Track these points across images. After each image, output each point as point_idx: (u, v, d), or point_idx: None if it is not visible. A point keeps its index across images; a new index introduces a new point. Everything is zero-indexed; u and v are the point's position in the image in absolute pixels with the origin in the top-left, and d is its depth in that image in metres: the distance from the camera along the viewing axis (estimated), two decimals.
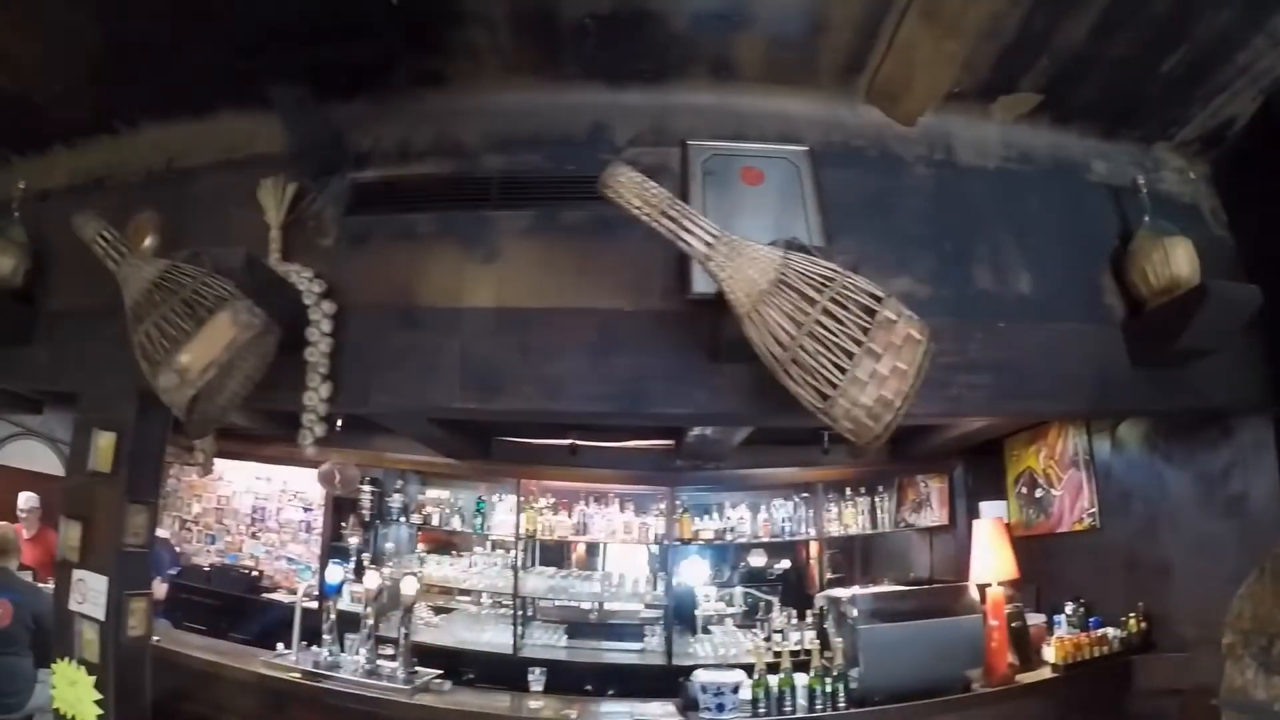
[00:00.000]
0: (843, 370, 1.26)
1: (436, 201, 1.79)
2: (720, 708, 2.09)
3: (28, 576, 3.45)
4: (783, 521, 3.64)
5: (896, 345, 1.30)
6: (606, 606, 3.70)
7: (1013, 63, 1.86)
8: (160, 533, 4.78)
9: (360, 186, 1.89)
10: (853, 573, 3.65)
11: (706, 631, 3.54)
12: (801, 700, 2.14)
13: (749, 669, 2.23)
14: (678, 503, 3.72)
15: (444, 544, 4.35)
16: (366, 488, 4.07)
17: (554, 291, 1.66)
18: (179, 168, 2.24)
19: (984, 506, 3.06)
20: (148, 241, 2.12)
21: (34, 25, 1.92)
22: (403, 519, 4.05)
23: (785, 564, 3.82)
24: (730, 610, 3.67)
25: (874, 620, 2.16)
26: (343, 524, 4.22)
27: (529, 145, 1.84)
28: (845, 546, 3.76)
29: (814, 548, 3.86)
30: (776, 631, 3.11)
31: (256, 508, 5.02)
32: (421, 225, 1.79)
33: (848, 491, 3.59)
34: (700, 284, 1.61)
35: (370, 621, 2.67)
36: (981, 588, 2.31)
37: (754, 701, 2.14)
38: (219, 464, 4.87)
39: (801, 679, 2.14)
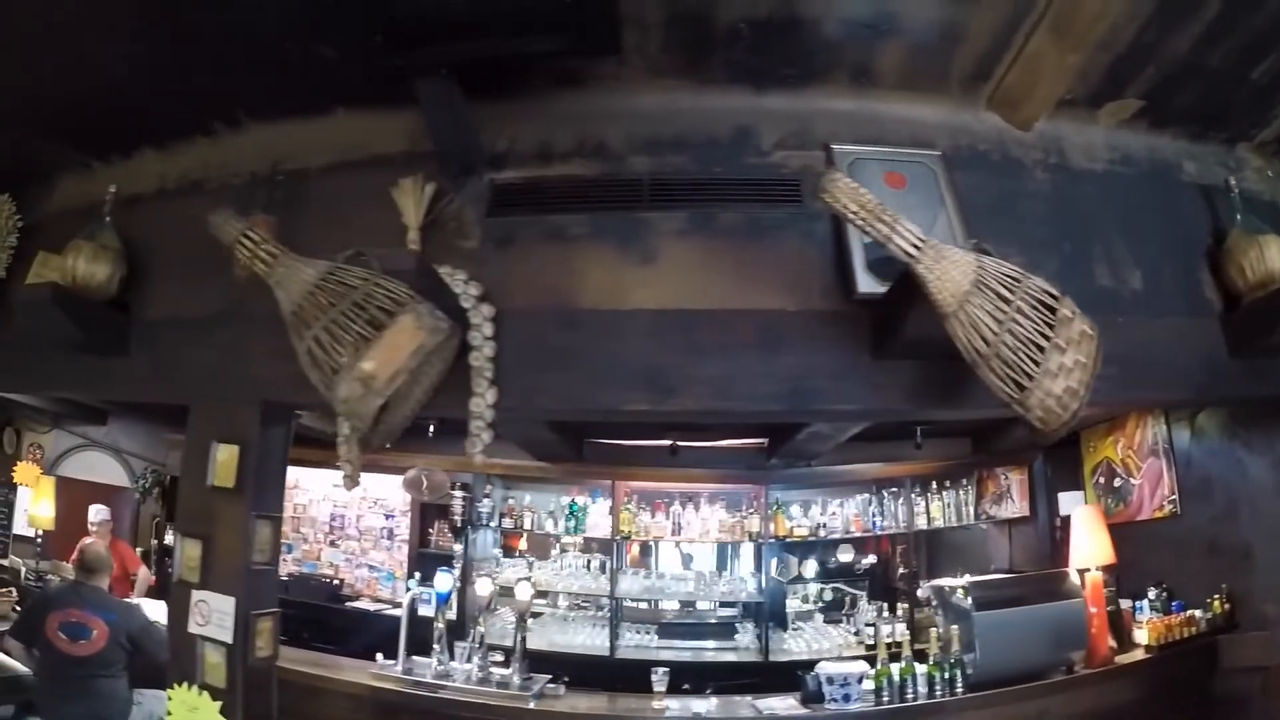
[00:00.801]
0: (1036, 364, 1.42)
1: (586, 203, 1.89)
2: (847, 698, 2.25)
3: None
4: (873, 516, 3.83)
5: (1076, 340, 1.47)
6: (689, 606, 3.82)
7: (1121, 71, 2.07)
8: None
9: (500, 187, 1.97)
10: (932, 566, 3.85)
11: (795, 627, 3.70)
12: (922, 688, 2.30)
13: (871, 660, 2.39)
14: (773, 500, 3.86)
15: (520, 548, 4.41)
16: (457, 493, 4.10)
17: (716, 293, 1.78)
18: (288, 169, 2.29)
19: (1062, 497, 3.30)
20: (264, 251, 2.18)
21: (120, 21, 1.95)
22: (492, 523, 4.09)
23: (871, 559, 4.01)
24: (815, 606, 3.84)
25: (986, 607, 2.33)
26: (429, 530, 4.27)
27: (674, 147, 1.95)
28: (919, 541, 3.96)
29: (892, 542, 4.06)
30: (868, 625, 3.28)
31: (335, 515, 5.08)
32: (572, 227, 1.88)
33: (934, 485, 3.80)
34: (864, 285, 1.76)
35: (483, 629, 2.73)
36: (1081, 573, 2.52)
37: (877, 691, 2.29)
38: (295, 472, 4.90)
39: (921, 667, 2.31)
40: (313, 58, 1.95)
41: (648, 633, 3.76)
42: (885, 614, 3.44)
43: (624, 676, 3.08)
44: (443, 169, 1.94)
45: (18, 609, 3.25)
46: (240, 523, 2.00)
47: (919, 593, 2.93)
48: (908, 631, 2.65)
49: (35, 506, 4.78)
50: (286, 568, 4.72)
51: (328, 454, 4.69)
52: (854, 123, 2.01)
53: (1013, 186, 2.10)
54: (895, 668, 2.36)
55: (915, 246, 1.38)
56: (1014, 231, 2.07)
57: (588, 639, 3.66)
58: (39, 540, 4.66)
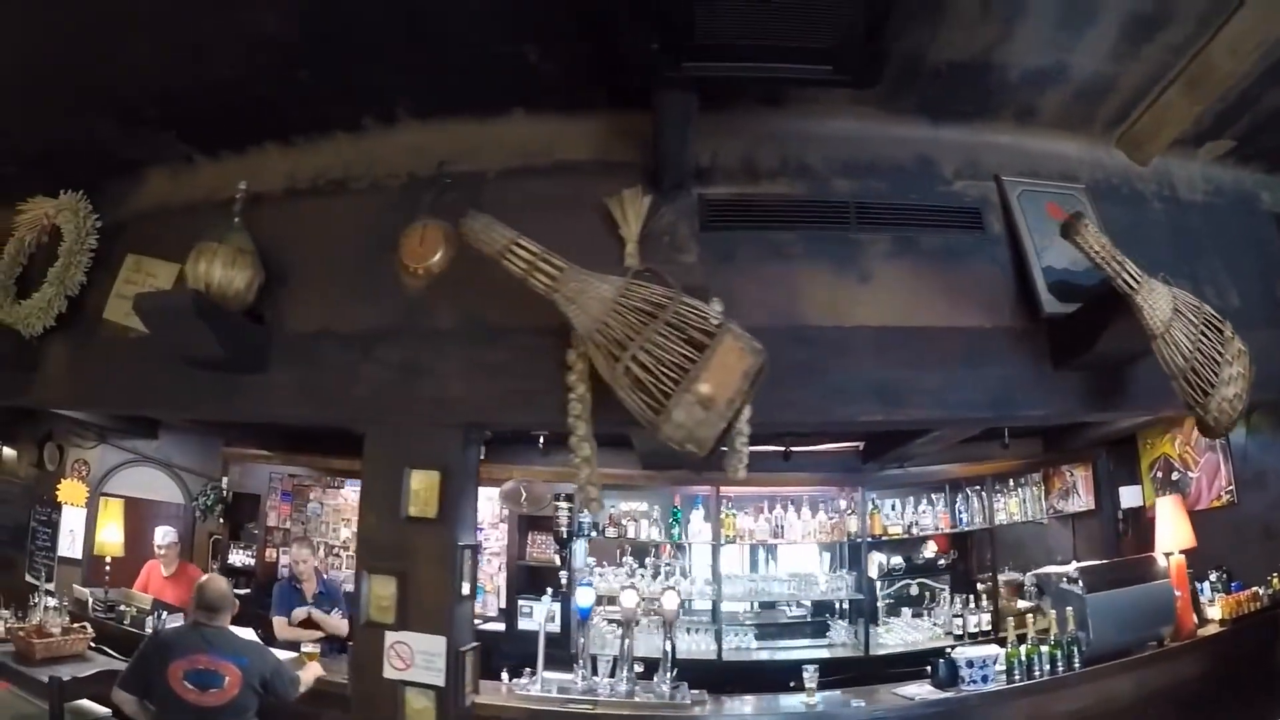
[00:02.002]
0: (1215, 375, 1.87)
1: (797, 222, 2.18)
2: (985, 679, 2.67)
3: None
4: (959, 514, 4.30)
5: (1237, 355, 1.93)
6: (769, 608, 4.16)
7: (1225, 117, 2.58)
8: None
9: (709, 202, 2.19)
10: (998, 561, 4.37)
11: (885, 623, 4.11)
12: (1045, 665, 2.76)
13: (1002, 642, 2.82)
14: (870, 501, 4.27)
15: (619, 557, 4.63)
16: (563, 504, 4.26)
17: (925, 311, 2.14)
18: (458, 172, 2.35)
19: (1123, 491, 3.87)
20: (439, 254, 2.24)
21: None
22: (594, 532, 4.28)
23: (952, 554, 4.49)
24: (896, 601, 4.28)
25: (1095, 590, 2.82)
26: (526, 542, 4.40)
27: (869, 172, 2.29)
28: (991, 537, 4.48)
29: (965, 539, 4.56)
30: (955, 616, 3.74)
31: None
32: (789, 245, 2.16)
33: (1010, 484, 4.31)
34: (1049, 306, 2.17)
35: (629, 641, 2.93)
36: (1166, 556, 3.05)
37: (1008, 671, 2.73)
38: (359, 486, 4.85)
39: (1044, 648, 2.76)
40: (503, 56, 2.03)
41: (745, 635, 4.08)
42: (971, 605, 3.92)
43: (732, 678, 3.37)
44: (656, 181, 2.13)
45: (95, 648, 3.17)
46: (445, 554, 2.01)
47: (1025, 581, 3.41)
48: (990, 616, 3.11)
49: (103, 531, 4.65)
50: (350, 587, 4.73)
51: None
52: (1013, 156, 2.42)
53: (1136, 216, 2.57)
54: (1023, 649, 2.80)
55: (1136, 281, 1.79)
56: (1143, 257, 2.51)
57: (691, 644, 3.94)
58: (108, 568, 4.55)
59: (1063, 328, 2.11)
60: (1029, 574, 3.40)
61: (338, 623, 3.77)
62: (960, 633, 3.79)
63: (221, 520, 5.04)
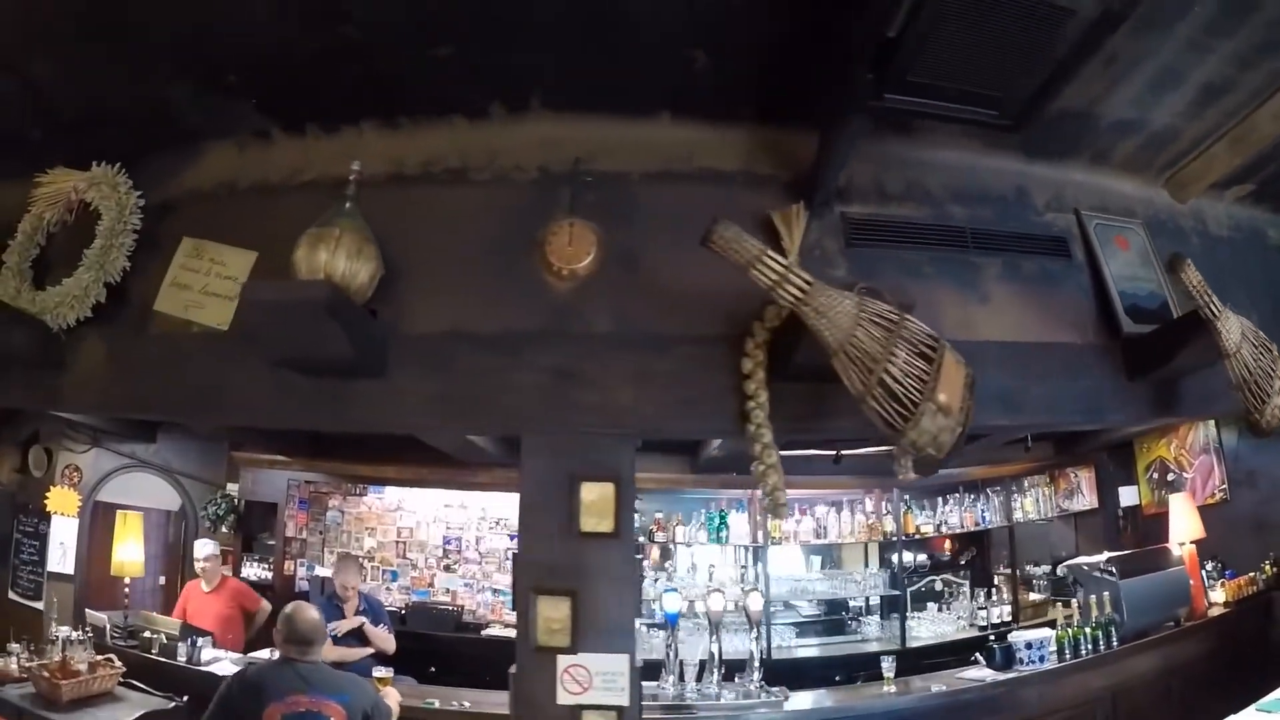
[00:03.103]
0: (1270, 387, 2.41)
1: (923, 243, 2.55)
2: (1041, 659, 3.18)
3: (207, 643, 3.38)
4: (982, 512, 4.86)
5: None
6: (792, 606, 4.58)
7: (1253, 166, 3.19)
8: (322, 571, 4.61)
9: (850, 220, 2.51)
10: (1017, 558, 4.97)
11: (914, 616, 4.61)
12: (1088, 645, 3.30)
13: (1051, 624, 3.35)
14: (904, 502, 4.74)
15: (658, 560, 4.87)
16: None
17: (1032, 328, 2.58)
18: (599, 171, 2.44)
19: (1122, 491, 4.54)
20: (591, 255, 2.32)
21: None
22: (641, 538, 4.51)
23: (972, 551, 5.06)
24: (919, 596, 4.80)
25: (1127, 577, 3.39)
26: None
27: (976, 200, 2.70)
28: (1002, 536, 5.08)
29: (977, 538, 5.15)
30: (980, 609, 4.29)
31: (449, 539, 5.03)
32: (923, 265, 2.52)
33: (1024, 485, 4.91)
34: (1127, 326, 2.67)
35: (719, 644, 3.19)
36: (1180, 545, 3.69)
37: (1059, 651, 3.25)
38: (398, 493, 4.79)
39: (1086, 629, 3.30)
40: (668, 57, 2.14)
41: (788, 633, 4.46)
42: (993, 597, 4.50)
43: (783, 675, 3.73)
44: (801, 197, 2.39)
45: (124, 683, 2.99)
46: (620, 570, 2.03)
47: (1059, 572, 3.97)
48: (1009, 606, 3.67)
49: (121, 548, 4.40)
50: (391, 596, 4.77)
51: (437, 473, 4.95)
52: (1087, 192, 2.92)
53: (1178, 248, 3.12)
54: (1069, 631, 3.33)
55: (1218, 309, 2.28)
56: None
57: (739, 644, 4.26)
58: (126, 590, 4.34)
59: (1138, 345, 2.61)
60: (1061, 565, 3.96)
61: (386, 638, 3.78)
62: (984, 624, 4.34)
63: (233, 531, 4.91)
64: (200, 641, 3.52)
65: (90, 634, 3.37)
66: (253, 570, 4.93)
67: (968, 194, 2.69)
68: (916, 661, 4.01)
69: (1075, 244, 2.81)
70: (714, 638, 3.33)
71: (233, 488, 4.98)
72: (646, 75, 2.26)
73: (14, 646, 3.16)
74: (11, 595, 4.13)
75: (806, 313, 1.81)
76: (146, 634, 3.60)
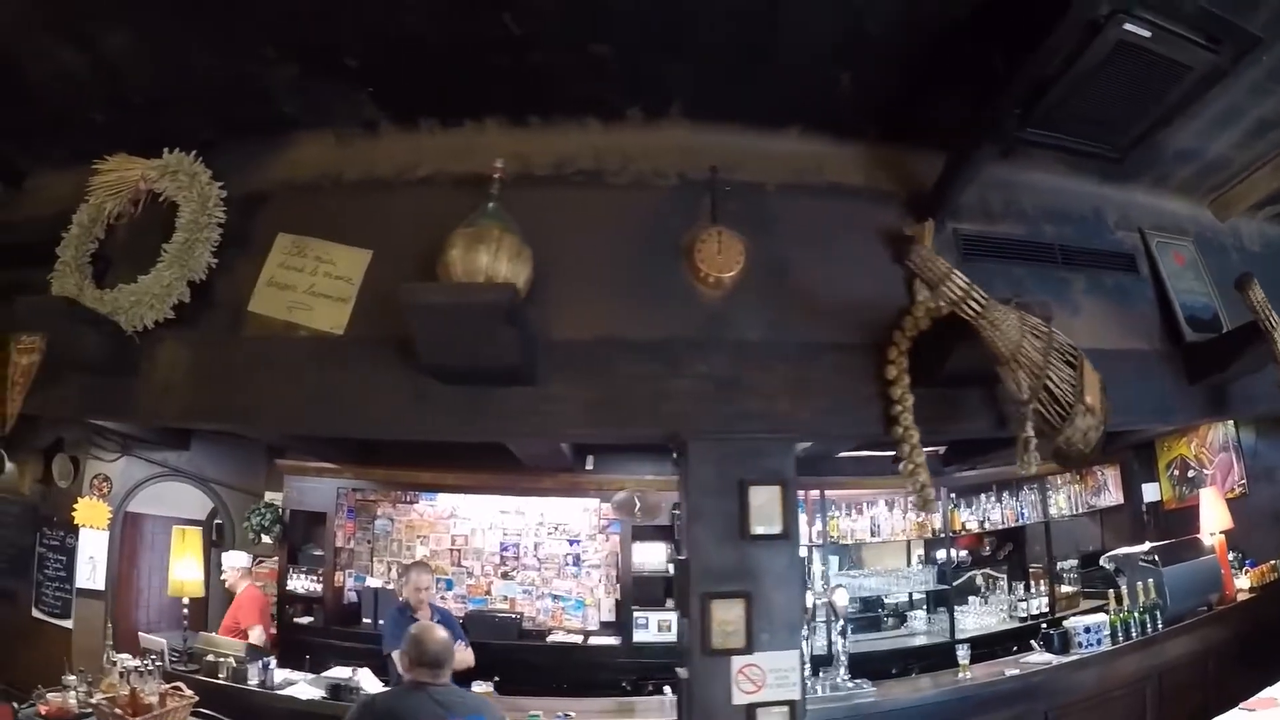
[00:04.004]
0: None
1: (1021, 258, 2.95)
2: (1099, 641, 3.62)
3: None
4: (1021, 509, 5.31)
5: None
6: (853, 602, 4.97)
7: None
8: (373, 582, 4.69)
9: (963, 236, 2.90)
10: (1046, 552, 5.46)
11: (956, 609, 5.04)
12: (1136, 629, 3.75)
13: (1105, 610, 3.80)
14: (950, 499, 5.15)
15: None
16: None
17: (1111, 337, 3.03)
18: (737, 181, 2.64)
19: (1145, 487, 5.06)
20: (740, 264, 2.50)
21: None
22: None
23: (1009, 546, 5.50)
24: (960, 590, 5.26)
25: (1169, 564, 3.86)
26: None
27: (1061, 219, 3.13)
28: (1034, 532, 5.55)
29: (1011, 535, 5.63)
30: (1020, 600, 4.74)
31: (506, 545, 5.12)
32: (1023, 278, 2.91)
33: (1058, 481, 5.38)
34: (1189, 335, 3.11)
35: (842, 639, 3.50)
36: (1210, 535, 4.20)
37: (1112, 634, 3.69)
38: (451, 499, 4.84)
39: (1134, 614, 3.76)
40: (813, 75, 2.36)
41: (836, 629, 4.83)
42: (1032, 589, 4.97)
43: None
44: (927, 213, 2.74)
45: (199, 713, 2.96)
46: (789, 569, 2.24)
47: (1102, 562, 4.43)
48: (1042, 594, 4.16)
49: (179, 566, 4.37)
50: (447, 605, 4.93)
51: (500, 479, 5.14)
52: (1147, 212, 3.40)
53: (1220, 262, 3.63)
54: (1120, 615, 3.78)
55: (1275, 322, 2.72)
56: (1229, 295, 3.58)
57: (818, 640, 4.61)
58: (185, 611, 4.29)
59: (1198, 352, 3.06)
60: (1104, 556, 4.44)
61: (466, 652, 3.81)
62: (1024, 615, 4.79)
63: (278, 542, 4.90)
64: (274, 663, 3.53)
65: (157, 661, 3.29)
66: (300, 583, 4.90)
67: (1055, 213, 3.13)
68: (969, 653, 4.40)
69: (1141, 259, 3.24)
70: (841, 632, 3.62)
71: (271, 496, 5.01)
72: (783, 91, 2.51)
73: (70, 679, 3.04)
74: (36, 613, 4.04)
75: (983, 325, 2.18)
76: (210, 657, 3.50)
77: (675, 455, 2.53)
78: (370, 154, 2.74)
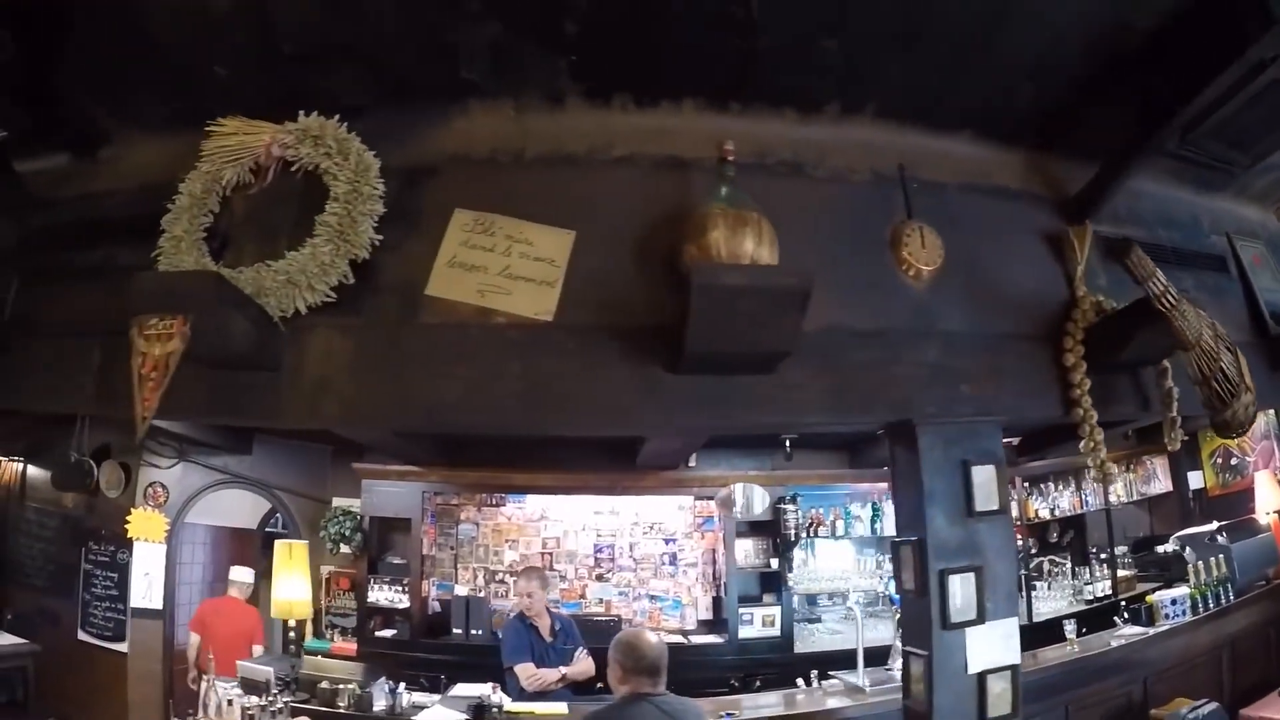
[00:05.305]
0: None
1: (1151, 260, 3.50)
2: (1182, 613, 4.22)
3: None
4: (1086, 497, 5.93)
5: None
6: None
7: None
8: (461, 590, 4.83)
9: (1102, 238, 3.50)
10: (1108, 538, 6.12)
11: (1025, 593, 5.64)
12: (1212, 602, 4.38)
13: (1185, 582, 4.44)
14: (1024, 488, 5.71)
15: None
16: (788, 506, 5.03)
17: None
18: (918, 178, 2.98)
19: (1190, 475, 5.77)
20: (941, 258, 2.88)
21: None
22: (804, 534, 5.16)
23: (1071, 533, 6.12)
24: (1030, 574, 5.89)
25: (1236, 542, 4.52)
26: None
27: (1168, 224, 3.77)
28: (1087, 520, 6.21)
29: (1071, 521, 6.27)
30: (1087, 584, 5.35)
31: (600, 546, 5.29)
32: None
33: (1115, 471, 6.04)
34: (1274, 329, 3.73)
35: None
36: (1266, 515, 4.91)
37: (1193, 605, 4.31)
38: (540, 501, 4.94)
39: (1209, 589, 4.40)
40: (1000, 84, 2.75)
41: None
42: (1097, 574, 5.60)
43: None
44: (1076, 216, 3.28)
45: None
46: (1006, 542, 2.65)
47: (1170, 541, 5.07)
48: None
49: (282, 585, 4.25)
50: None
51: (601, 478, 5.50)
52: (1229, 218, 4.10)
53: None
54: (1198, 590, 4.41)
55: None
56: None
57: (874, 634, 5.07)
58: (291, 633, 4.28)
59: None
60: (1174, 536, 5.07)
61: (586, 664, 3.86)
62: (1090, 597, 5.40)
63: (358, 552, 4.86)
64: (403, 687, 3.37)
65: (275, 689, 3.10)
66: (383, 594, 4.79)
67: (1165, 218, 3.76)
68: (1044, 631, 4.95)
69: (1230, 260, 3.85)
70: None
71: (339, 502, 5.07)
72: (966, 97, 2.94)
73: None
74: (83, 636, 3.85)
75: (1174, 316, 2.78)
76: (324, 684, 3.33)
77: (890, 439, 2.92)
78: (554, 129, 2.74)
